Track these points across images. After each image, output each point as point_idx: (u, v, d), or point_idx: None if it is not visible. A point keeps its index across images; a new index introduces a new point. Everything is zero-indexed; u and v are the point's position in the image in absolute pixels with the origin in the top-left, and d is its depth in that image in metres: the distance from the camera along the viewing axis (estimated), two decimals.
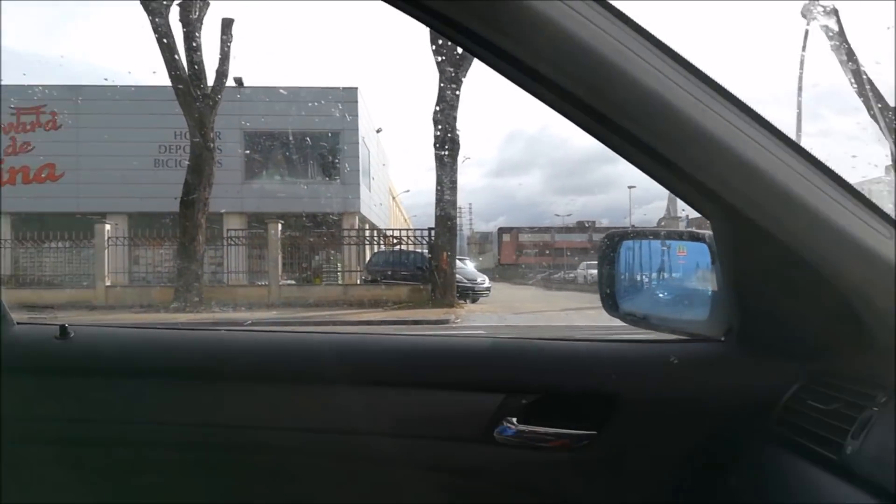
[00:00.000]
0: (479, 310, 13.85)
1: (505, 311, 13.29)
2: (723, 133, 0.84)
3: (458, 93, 13.03)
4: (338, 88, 18.94)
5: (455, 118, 13.22)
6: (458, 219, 16.70)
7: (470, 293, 15.32)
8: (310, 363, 1.21)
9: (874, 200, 0.90)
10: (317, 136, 19.05)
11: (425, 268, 14.26)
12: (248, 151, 18.53)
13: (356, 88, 18.85)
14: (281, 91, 17.83)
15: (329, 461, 1.16)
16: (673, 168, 0.88)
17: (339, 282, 16.12)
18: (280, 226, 14.95)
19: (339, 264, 16.88)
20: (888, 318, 0.90)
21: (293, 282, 15.59)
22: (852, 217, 0.87)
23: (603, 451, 1.08)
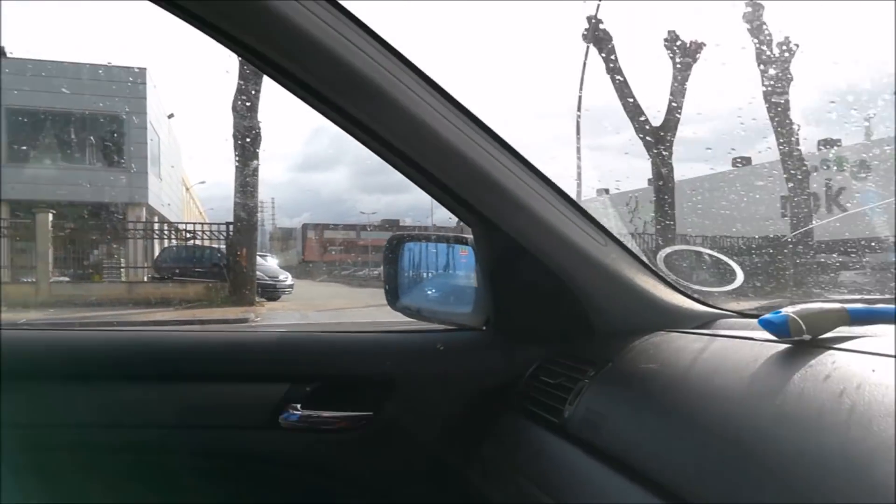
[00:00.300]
0: (281, 307, 13.56)
1: (308, 309, 13.17)
2: (478, 157, 1.01)
3: (259, 81, 12.61)
4: (124, 68, 17.32)
5: (257, 108, 12.79)
6: (259, 213, 16.12)
7: (271, 291, 14.93)
8: (95, 360, 1.19)
9: (593, 215, 1.12)
10: (98, 119, 17.26)
11: (222, 264, 13.62)
12: (11, 132, 16.19)
13: (145, 69, 17.37)
14: (55, 66, 15.85)
15: (116, 455, 1.16)
16: (438, 183, 1.03)
17: (123, 279, 14.79)
18: (51, 216, 13.33)
19: (122, 260, 15.48)
20: (602, 310, 1.14)
21: (67, 279, 14.01)
22: (576, 228, 1.08)
23: (379, 429, 1.21)
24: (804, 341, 0.81)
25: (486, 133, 1.03)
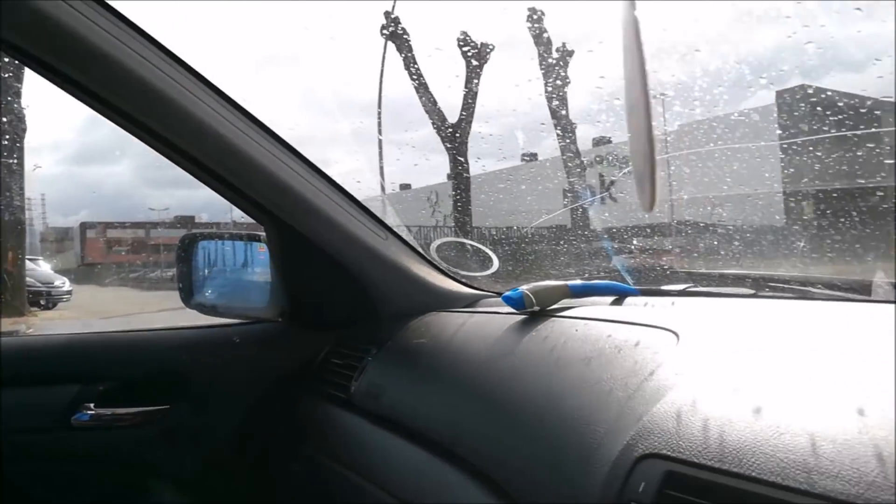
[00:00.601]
0: (59, 317, 12.17)
1: (91, 317, 11.96)
2: (263, 159, 1.09)
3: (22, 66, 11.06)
4: None
5: (19, 90, 11.23)
6: (27, 212, 14.19)
7: (46, 298, 13.32)
8: None
9: (374, 211, 1.26)
10: None
11: None
12: None
13: None
14: None
15: None
16: (226, 184, 1.10)
17: None
18: None
19: None
20: (384, 297, 1.28)
21: None
22: (359, 224, 1.22)
23: (178, 420, 1.25)
24: (535, 311, 1.01)
25: (270, 136, 1.11)
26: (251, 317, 1.39)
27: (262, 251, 1.46)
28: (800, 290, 1.01)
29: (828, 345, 0.69)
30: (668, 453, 0.54)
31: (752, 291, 1.03)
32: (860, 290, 0.94)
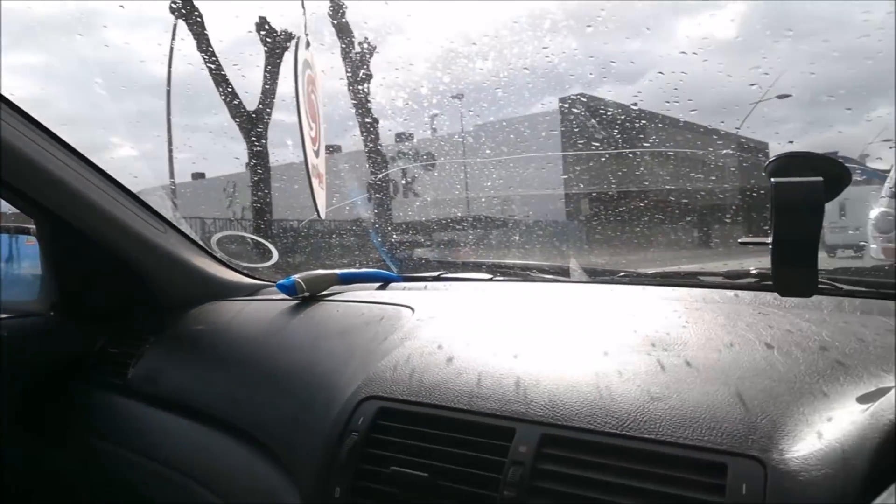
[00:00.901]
0: None
1: None
2: (30, 150, 1.09)
3: None
4: None
5: None
6: None
7: None
8: None
9: (152, 205, 1.30)
10: None
11: None
12: None
13: None
14: None
15: None
16: None
17: None
18: None
19: None
20: (164, 288, 1.33)
21: None
22: (136, 218, 1.25)
23: None
24: (307, 297, 1.15)
25: (33, 125, 1.10)
26: (19, 311, 1.35)
27: (30, 244, 1.42)
28: (522, 273, 1.26)
29: (520, 312, 0.92)
30: (382, 394, 0.72)
31: (489, 276, 1.26)
32: (562, 273, 1.21)
